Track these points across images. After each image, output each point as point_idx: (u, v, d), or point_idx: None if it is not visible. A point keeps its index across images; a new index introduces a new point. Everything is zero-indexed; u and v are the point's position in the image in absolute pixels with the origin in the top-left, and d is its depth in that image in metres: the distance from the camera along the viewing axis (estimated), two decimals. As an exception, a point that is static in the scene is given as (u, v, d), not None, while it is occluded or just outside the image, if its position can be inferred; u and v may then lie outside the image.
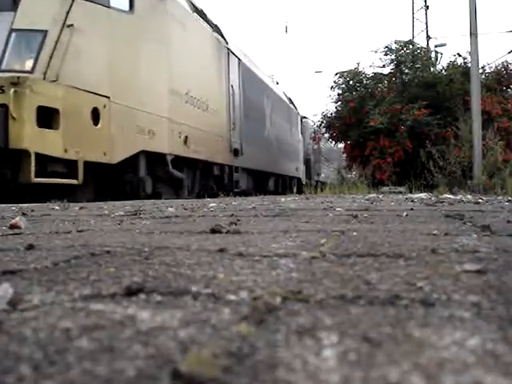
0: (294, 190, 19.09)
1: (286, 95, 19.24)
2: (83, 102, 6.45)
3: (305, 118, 23.27)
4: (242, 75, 12.83)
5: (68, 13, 6.34)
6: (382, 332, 0.55)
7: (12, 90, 5.61)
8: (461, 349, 0.49)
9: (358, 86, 15.41)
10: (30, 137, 5.70)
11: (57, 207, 3.96)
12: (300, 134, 21.07)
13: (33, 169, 5.68)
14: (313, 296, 0.72)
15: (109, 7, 7.17)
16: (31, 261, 1.09)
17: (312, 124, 22.18)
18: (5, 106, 5.62)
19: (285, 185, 18.03)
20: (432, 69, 15.36)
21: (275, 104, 16.34)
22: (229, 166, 11.62)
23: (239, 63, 12.81)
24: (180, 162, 8.99)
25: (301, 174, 20.53)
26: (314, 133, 20.15)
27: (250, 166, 13.23)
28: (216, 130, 10.86)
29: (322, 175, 25.77)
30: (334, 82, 15.70)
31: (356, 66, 15.66)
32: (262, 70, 15.98)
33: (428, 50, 17.16)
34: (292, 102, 20.06)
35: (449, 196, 6.97)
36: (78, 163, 6.32)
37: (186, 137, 9.14)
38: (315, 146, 23.49)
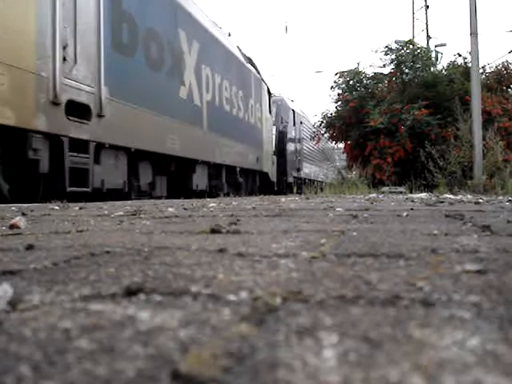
0: (270, 191, 14.45)
1: (241, 52, 12.92)
2: None
3: (281, 98, 18.37)
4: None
5: None
6: (382, 332, 0.55)
7: None
8: (461, 349, 0.49)
9: (358, 86, 15.43)
10: None
11: (56, 207, 3.96)
12: (267, 113, 15.00)
13: None
14: (313, 296, 0.72)
15: None
16: (31, 261, 1.09)
17: (290, 106, 19.05)
18: None
19: (234, 182, 11.62)
20: (432, 69, 15.37)
21: (214, 55, 10.41)
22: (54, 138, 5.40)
23: None
24: None
25: (267, 167, 14.51)
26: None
27: (133, 142, 6.93)
28: None
29: (305, 171, 21.30)
30: (334, 81, 15.72)
31: (356, 65, 15.69)
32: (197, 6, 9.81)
33: (428, 49, 17.16)
34: (254, 66, 13.90)
35: (449, 196, 6.97)
36: None
37: None
38: (294, 135, 19.49)
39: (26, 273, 0.94)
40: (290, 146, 18.66)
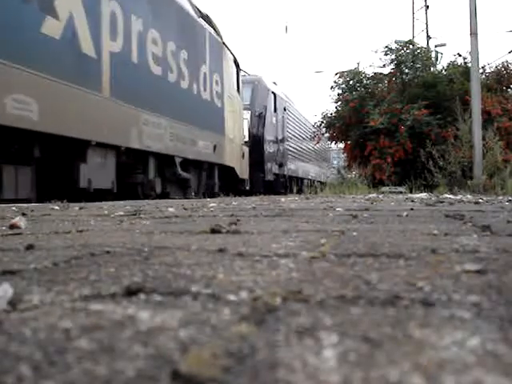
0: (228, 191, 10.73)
1: (190, 2, 9.48)
2: None
3: (258, 78, 14.93)
4: None
5: None
6: (382, 332, 0.55)
7: None
8: (461, 349, 0.49)
9: (358, 86, 15.43)
10: None
11: (56, 207, 3.96)
12: (234, 91, 11.44)
13: None
14: (313, 296, 0.72)
15: None
16: (31, 261, 1.09)
17: (270, 88, 15.68)
18: None
19: (175, 178, 8.58)
20: (432, 69, 15.39)
21: (144, 6, 7.39)
22: None
23: None
24: None
25: (233, 160, 11.09)
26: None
27: None
28: None
29: (290, 167, 18.09)
30: (334, 81, 15.73)
31: (356, 65, 15.69)
32: None
33: (428, 49, 17.17)
34: (213, 27, 10.49)
35: (449, 196, 6.97)
36: None
37: None
38: (275, 123, 15.98)
39: (26, 273, 0.94)
40: (270, 136, 15.23)
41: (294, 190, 15.88)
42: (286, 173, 17.28)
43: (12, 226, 1.97)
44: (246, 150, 12.64)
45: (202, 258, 1.11)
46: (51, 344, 0.51)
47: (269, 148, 15.11)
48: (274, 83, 17.02)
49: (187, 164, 8.90)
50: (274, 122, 15.95)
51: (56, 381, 0.42)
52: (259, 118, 14.48)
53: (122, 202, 5.44)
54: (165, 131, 7.85)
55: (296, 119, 19.71)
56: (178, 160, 8.40)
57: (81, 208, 3.86)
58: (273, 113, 15.83)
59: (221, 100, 10.55)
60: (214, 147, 9.95)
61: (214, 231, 1.71)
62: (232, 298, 0.71)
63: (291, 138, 18.60)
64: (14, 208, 3.78)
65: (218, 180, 10.63)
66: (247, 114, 13.46)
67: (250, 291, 0.75)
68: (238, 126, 11.80)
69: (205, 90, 9.62)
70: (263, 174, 14.48)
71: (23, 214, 2.86)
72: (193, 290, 0.76)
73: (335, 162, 31.19)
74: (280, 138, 16.65)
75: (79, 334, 0.55)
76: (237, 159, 11.60)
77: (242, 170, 12.08)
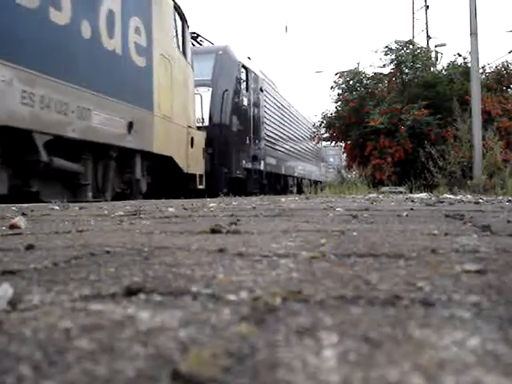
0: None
1: None
2: None
3: (223, 47, 11.93)
4: None
5: None
6: (382, 332, 0.55)
7: None
8: (461, 349, 0.49)
9: (358, 86, 15.43)
10: None
11: (56, 207, 3.96)
12: (174, 50, 8.51)
13: None
14: (313, 296, 0.72)
15: None
16: (31, 261, 1.09)
17: (240, 61, 12.43)
18: None
19: (28, 166, 5.15)
20: (432, 69, 15.40)
21: None
22: None
23: None
24: None
25: (173, 148, 8.21)
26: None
27: None
28: None
29: (270, 161, 14.84)
30: (334, 81, 15.72)
31: (356, 65, 15.69)
32: None
33: (428, 49, 17.18)
34: None
35: (449, 196, 6.98)
36: None
37: None
38: (247, 104, 12.69)
39: (26, 273, 0.94)
40: (239, 122, 11.88)
41: (278, 189, 13.64)
42: (262, 168, 13.88)
43: (12, 226, 1.97)
44: (201, 135, 9.59)
45: (202, 257, 1.11)
46: (51, 344, 0.51)
47: (238, 136, 11.71)
48: (249, 58, 13.76)
49: (76, 148, 5.91)
50: (246, 103, 12.57)
51: (56, 381, 0.42)
52: (224, 98, 11.07)
53: (121, 202, 5.44)
54: (10, 87, 4.67)
55: (279, 105, 16.48)
56: (41, 139, 5.12)
57: (81, 208, 3.86)
58: (244, 92, 12.51)
59: (146, 58, 7.30)
60: (130, 125, 6.72)
61: (214, 231, 1.71)
62: (232, 297, 0.71)
63: (271, 127, 15.30)
64: (13, 208, 3.78)
65: (144, 175, 7.55)
66: (206, 92, 10.61)
67: (250, 291, 0.75)
68: (181, 101, 8.65)
69: (111, 36, 6.41)
70: (228, 169, 11.11)
71: (23, 214, 2.86)
72: (193, 290, 0.76)
73: (331, 160, 29.77)
74: (256, 125, 13.40)
75: (79, 333, 0.55)
76: (179, 146, 8.39)
77: (191, 163, 8.81)
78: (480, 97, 10.66)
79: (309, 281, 0.83)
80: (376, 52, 15.59)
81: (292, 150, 18.56)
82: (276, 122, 16.14)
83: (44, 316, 0.63)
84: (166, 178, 8.74)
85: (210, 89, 10.94)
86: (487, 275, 0.87)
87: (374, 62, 16.31)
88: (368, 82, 15.53)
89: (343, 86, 15.57)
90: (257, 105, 13.79)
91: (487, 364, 0.45)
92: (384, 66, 15.57)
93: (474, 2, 10.58)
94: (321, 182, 19.11)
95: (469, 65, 12.49)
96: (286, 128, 17.64)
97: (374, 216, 2.55)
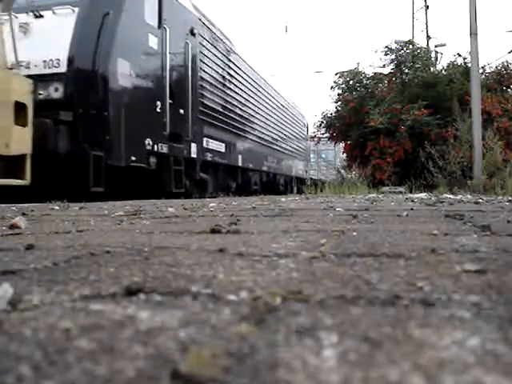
0: None
1: None
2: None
3: None
4: None
5: None
6: (382, 332, 0.55)
7: None
8: (461, 349, 0.49)
9: (358, 86, 15.44)
10: None
11: (57, 207, 3.96)
12: None
13: None
14: (313, 296, 0.72)
15: None
16: (31, 261, 1.09)
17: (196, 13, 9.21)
18: None
19: None
20: (432, 69, 15.41)
21: None
22: None
23: None
24: None
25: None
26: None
27: None
28: None
29: (208, 144, 9.78)
30: (334, 81, 15.74)
31: (356, 66, 15.70)
32: None
33: (428, 49, 17.18)
34: None
35: (449, 196, 6.97)
36: None
37: None
38: (156, 44, 7.72)
39: (26, 273, 0.94)
40: (139, 72, 7.34)
41: (232, 188, 10.10)
42: (193, 155, 9.11)
43: (12, 226, 1.97)
44: (25, 84, 5.66)
45: (202, 257, 1.11)
46: (51, 344, 0.51)
47: (134, 96, 7.22)
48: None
49: None
50: (156, 46, 7.88)
51: (56, 381, 0.42)
52: (103, 27, 6.63)
53: (121, 202, 5.44)
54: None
55: (234, 66, 11.78)
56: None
57: (81, 208, 3.86)
58: (151, 27, 7.78)
59: None
60: None
61: (214, 231, 1.71)
62: (232, 297, 0.71)
63: (215, 93, 10.40)
64: (13, 208, 3.78)
65: None
66: (68, 15, 6.59)
67: (250, 291, 0.75)
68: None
69: None
70: (105, 153, 6.54)
71: (23, 214, 2.86)
72: (193, 290, 0.76)
73: (323, 156, 27.94)
74: (178, 84, 8.48)
75: (79, 333, 0.55)
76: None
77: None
78: (480, 97, 10.66)
79: (309, 281, 0.83)
80: (376, 52, 15.66)
81: (260, 133, 13.69)
82: (228, 92, 11.26)
83: (44, 316, 0.63)
84: None
85: (76, 9, 6.61)
86: (487, 275, 0.87)
87: (374, 62, 16.37)
88: (368, 82, 15.55)
89: (343, 86, 15.58)
90: (183, 54, 8.84)
91: (487, 364, 0.45)
92: (384, 66, 15.60)
93: (474, 2, 10.57)
94: (305, 180, 17.45)
95: (469, 65, 12.49)
96: (248, 102, 12.65)
97: (374, 216, 2.55)
